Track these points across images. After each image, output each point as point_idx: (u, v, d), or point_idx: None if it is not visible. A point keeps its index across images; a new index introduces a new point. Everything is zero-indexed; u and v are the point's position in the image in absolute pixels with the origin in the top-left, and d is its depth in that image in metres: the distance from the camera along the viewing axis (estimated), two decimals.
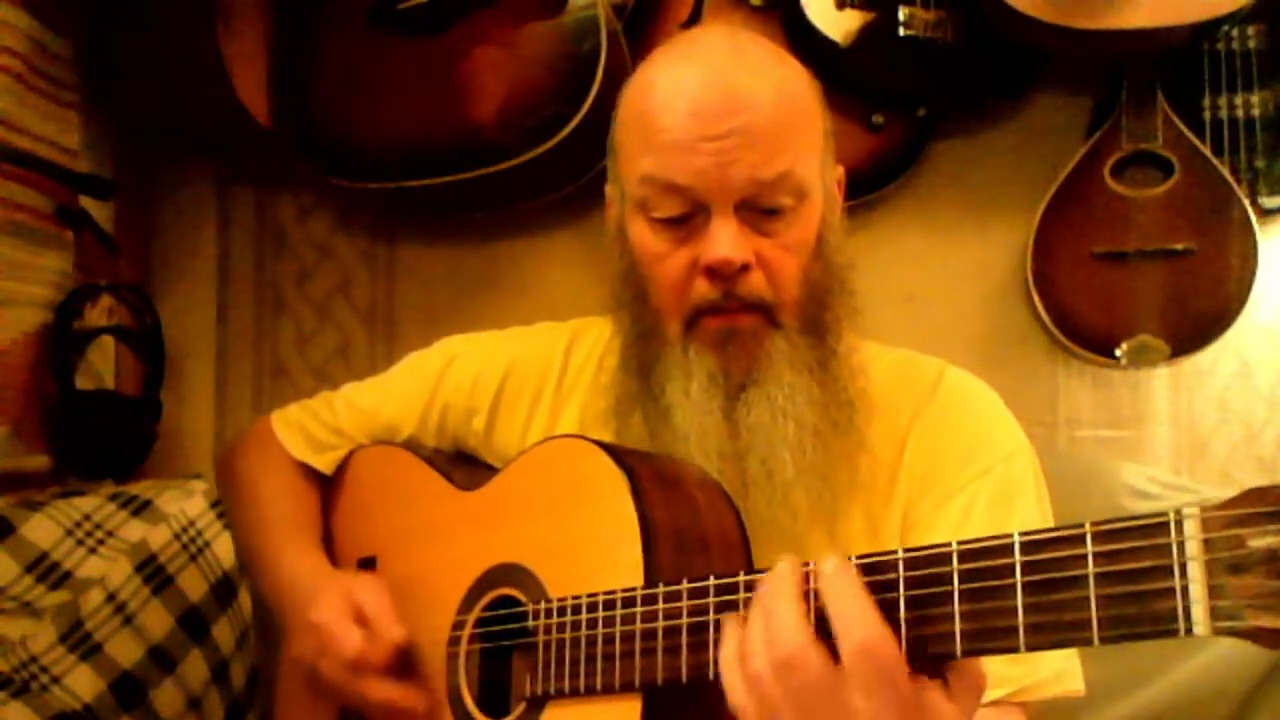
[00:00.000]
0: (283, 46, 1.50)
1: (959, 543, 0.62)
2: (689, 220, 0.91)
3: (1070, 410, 1.55)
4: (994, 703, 0.87)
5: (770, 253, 0.91)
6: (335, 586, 0.98)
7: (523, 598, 0.87)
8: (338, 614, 0.95)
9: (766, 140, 0.89)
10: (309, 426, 1.18)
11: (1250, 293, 1.40)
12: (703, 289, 0.91)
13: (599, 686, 0.78)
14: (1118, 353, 1.44)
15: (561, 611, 0.82)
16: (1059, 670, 0.89)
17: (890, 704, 0.61)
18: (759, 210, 0.90)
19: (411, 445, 1.13)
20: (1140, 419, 1.54)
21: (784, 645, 0.63)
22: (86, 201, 1.43)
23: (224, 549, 1.19)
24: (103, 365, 1.47)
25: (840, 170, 1.01)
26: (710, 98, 0.89)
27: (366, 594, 0.96)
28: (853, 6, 1.46)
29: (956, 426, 0.97)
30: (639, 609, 0.76)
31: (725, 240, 0.89)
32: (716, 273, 0.90)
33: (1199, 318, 1.42)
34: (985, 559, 0.61)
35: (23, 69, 1.32)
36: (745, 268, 0.90)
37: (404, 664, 0.94)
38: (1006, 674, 0.87)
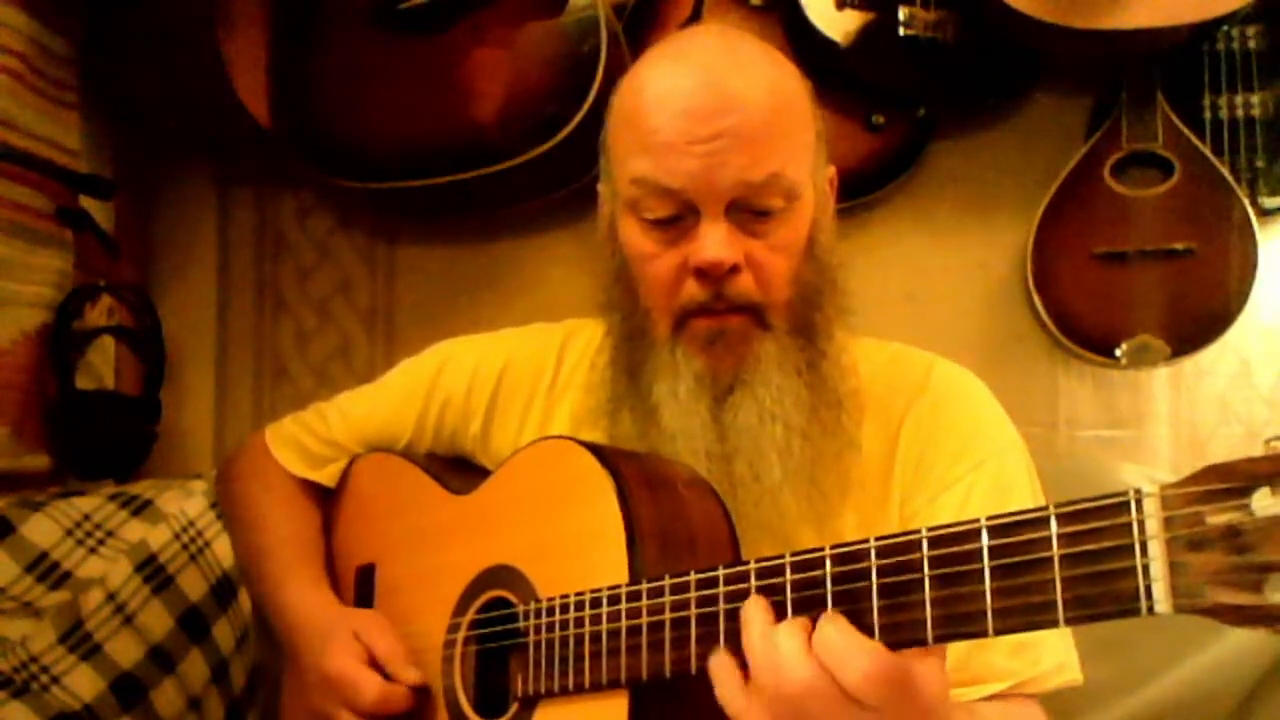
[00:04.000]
0: (283, 46, 1.50)
1: (928, 529, 0.62)
2: (679, 221, 0.91)
3: (1070, 410, 1.55)
4: (1001, 694, 0.87)
5: (760, 254, 0.91)
6: (343, 631, 0.97)
7: (514, 599, 0.88)
8: (353, 661, 0.94)
9: (757, 142, 0.88)
10: (304, 441, 1.17)
11: (1250, 293, 1.40)
12: (692, 290, 0.91)
13: (587, 684, 0.78)
14: (1118, 353, 1.44)
15: (550, 611, 0.82)
16: (1061, 662, 0.89)
17: (901, 704, 0.63)
18: (749, 211, 0.90)
19: (407, 452, 1.13)
20: (1140, 419, 1.54)
21: (797, 679, 0.63)
22: (86, 201, 1.44)
23: (224, 549, 1.19)
24: (103, 365, 1.47)
25: (832, 170, 1.01)
26: (701, 99, 0.88)
27: (374, 635, 0.96)
28: (853, 6, 1.46)
29: (948, 420, 0.97)
30: (623, 606, 0.77)
31: (715, 242, 0.88)
32: (706, 274, 0.89)
33: (1199, 318, 1.42)
34: (953, 544, 0.61)
35: (23, 69, 1.33)
36: (734, 269, 0.89)
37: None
38: (1010, 666, 0.87)
